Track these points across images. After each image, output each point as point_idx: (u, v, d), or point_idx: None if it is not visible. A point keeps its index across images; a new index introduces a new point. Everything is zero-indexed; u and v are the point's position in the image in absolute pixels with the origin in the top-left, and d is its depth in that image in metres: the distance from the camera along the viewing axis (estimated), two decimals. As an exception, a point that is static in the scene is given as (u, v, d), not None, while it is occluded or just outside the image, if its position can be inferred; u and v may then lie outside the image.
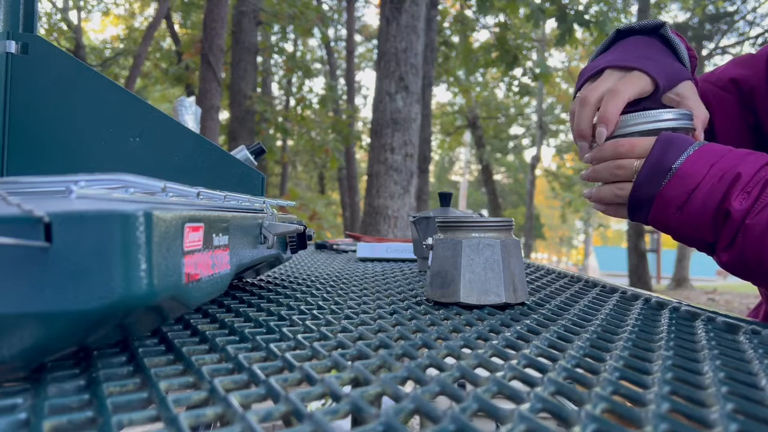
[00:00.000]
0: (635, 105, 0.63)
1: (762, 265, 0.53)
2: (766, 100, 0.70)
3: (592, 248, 23.30)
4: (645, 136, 0.61)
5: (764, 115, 0.71)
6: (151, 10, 11.63)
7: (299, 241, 0.71)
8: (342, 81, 11.06)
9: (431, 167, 8.36)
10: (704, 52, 10.80)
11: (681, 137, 0.58)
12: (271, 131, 7.75)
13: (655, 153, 0.57)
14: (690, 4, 9.96)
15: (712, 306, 0.56)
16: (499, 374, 0.32)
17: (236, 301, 0.59)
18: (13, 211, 0.26)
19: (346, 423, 1.14)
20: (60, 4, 10.09)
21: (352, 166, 9.09)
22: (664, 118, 0.61)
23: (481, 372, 0.33)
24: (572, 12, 5.08)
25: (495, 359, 0.35)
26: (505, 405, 0.26)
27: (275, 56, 9.61)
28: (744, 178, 0.53)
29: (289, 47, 10.76)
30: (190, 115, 1.01)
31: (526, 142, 16.83)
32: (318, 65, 12.38)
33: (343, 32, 11.16)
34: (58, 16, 9.89)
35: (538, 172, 14.79)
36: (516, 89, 8.86)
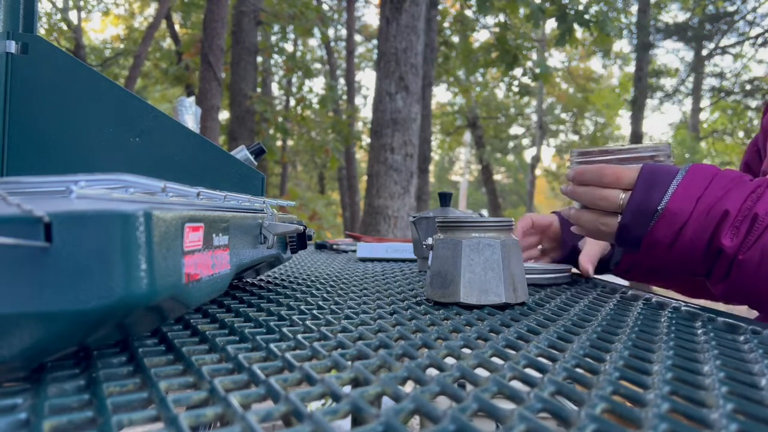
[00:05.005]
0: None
1: (759, 294, 0.53)
2: None
3: (592, 248, 23.21)
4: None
5: None
6: (151, 10, 11.63)
7: (299, 241, 0.71)
8: (342, 81, 11.05)
9: (431, 167, 8.36)
10: (704, 52, 10.80)
11: (664, 169, 0.57)
12: (271, 131, 7.74)
13: (638, 191, 0.56)
14: (690, 4, 9.95)
15: (712, 306, 0.56)
16: (499, 374, 0.32)
17: (236, 301, 0.59)
18: (13, 211, 0.26)
19: (346, 423, 1.14)
20: (60, 4, 10.09)
21: (352, 166, 9.08)
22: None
23: (481, 372, 0.33)
24: (572, 12, 5.08)
25: (495, 359, 0.35)
26: (505, 405, 0.26)
27: (275, 56, 9.59)
28: (732, 213, 0.52)
29: (289, 47, 10.75)
30: (190, 115, 1.01)
31: (526, 142, 16.82)
32: (318, 65, 12.38)
33: (343, 32, 11.16)
34: (58, 16, 9.88)
35: (538, 172, 14.81)
36: (516, 89, 8.85)
